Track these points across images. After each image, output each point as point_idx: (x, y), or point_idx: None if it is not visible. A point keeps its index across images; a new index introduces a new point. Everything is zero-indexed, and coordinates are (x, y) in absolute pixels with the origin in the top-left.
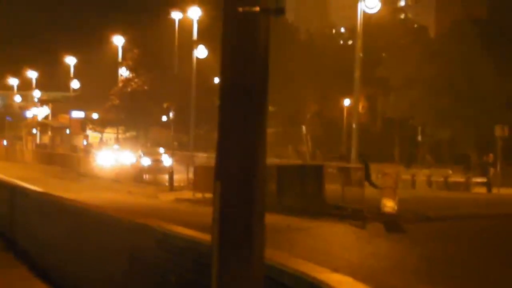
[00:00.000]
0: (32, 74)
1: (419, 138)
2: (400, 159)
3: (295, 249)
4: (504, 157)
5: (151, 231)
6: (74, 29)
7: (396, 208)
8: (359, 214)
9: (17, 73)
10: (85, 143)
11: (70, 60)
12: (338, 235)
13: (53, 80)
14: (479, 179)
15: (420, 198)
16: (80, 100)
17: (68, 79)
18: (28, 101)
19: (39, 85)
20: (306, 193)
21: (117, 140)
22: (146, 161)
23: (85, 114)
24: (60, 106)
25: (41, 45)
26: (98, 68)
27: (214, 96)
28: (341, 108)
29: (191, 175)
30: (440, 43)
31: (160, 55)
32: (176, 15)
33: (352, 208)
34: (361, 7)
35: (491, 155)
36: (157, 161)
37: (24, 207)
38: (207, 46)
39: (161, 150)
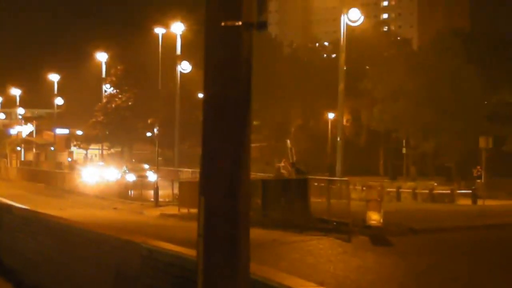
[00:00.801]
0: (15, 92)
1: (404, 150)
2: (384, 172)
3: (281, 263)
4: (489, 169)
5: (137, 247)
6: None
7: (381, 221)
8: (345, 228)
9: (1, 91)
10: (69, 159)
11: (54, 77)
12: (324, 248)
13: (37, 97)
14: (464, 191)
15: (405, 211)
16: (64, 117)
17: (52, 96)
18: (12, 119)
19: (23, 103)
20: (291, 206)
21: (101, 156)
22: (131, 177)
23: (70, 131)
24: (44, 123)
25: (24, 62)
26: (82, 84)
27: (198, 111)
28: (325, 121)
29: (176, 191)
30: (423, 55)
31: (144, 71)
32: (159, 30)
33: (338, 221)
34: (344, 20)
35: (478, 167)
36: (142, 177)
37: (9, 224)
38: (191, 61)
39: (146, 166)
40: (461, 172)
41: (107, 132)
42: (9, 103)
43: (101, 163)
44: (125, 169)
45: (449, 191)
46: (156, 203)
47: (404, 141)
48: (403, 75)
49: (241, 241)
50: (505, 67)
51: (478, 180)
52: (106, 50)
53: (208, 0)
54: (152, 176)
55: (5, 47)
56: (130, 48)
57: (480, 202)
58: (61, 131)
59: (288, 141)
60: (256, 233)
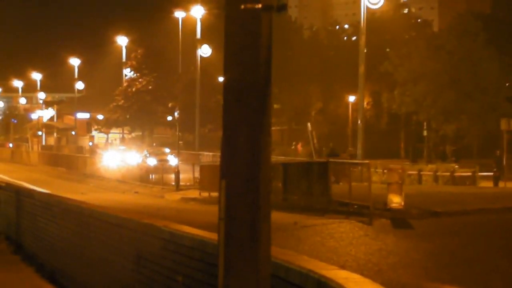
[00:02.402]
0: (36, 76)
1: (425, 133)
2: (405, 155)
3: (302, 246)
4: (510, 151)
5: (158, 231)
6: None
7: (402, 203)
8: (366, 211)
9: (22, 76)
10: (90, 144)
11: (75, 62)
12: (345, 231)
13: (57, 81)
14: (485, 173)
15: (426, 193)
16: (85, 101)
17: (72, 80)
18: (33, 103)
19: (44, 87)
20: (312, 190)
21: (122, 140)
22: (152, 161)
23: (90, 115)
24: (65, 107)
25: (45, 47)
26: (102, 69)
27: (219, 95)
28: (346, 104)
29: (197, 174)
30: (443, 37)
31: (164, 55)
32: (179, 14)
33: (359, 204)
34: (364, 2)
35: (497, 151)
36: (163, 161)
37: (30, 209)
38: (211, 45)
39: (167, 150)
40: (483, 154)
41: (128, 116)
42: (30, 88)
43: (122, 147)
44: (146, 153)
45: (470, 174)
46: (177, 187)
47: (425, 123)
48: (424, 58)
49: (262, 225)
50: None
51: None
52: (126, 34)
53: None
54: (173, 160)
55: (26, 33)
56: (150, 32)
57: (501, 184)
58: (82, 115)
59: (309, 124)
60: (277, 216)
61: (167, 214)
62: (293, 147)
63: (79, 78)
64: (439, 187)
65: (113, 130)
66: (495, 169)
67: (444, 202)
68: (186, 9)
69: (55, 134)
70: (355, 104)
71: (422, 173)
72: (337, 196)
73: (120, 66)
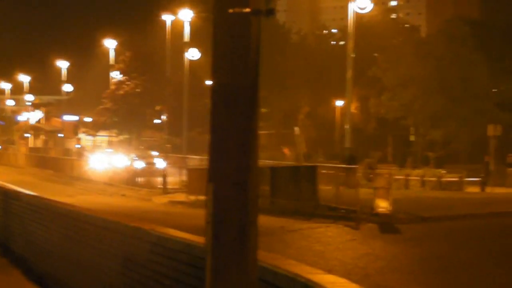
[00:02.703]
0: (24, 78)
1: (412, 138)
2: (393, 159)
3: (289, 250)
4: (497, 157)
5: (145, 234)
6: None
7: (390, 208)
8: (353, 215)
9: (10, 78)
10: (78, 146)
11: (62, 64)
12: (332, 236)
13: (45, 84)
14: (472, 178)
15: (413, 198)
16: (73, 103)
17: (60, 82)
18: (20, 105)
19: (32, 89)
20: (299, 194)
21: (110, 143)
22: (139, 164)
23: (78, 118)
24: (52, 109)
25: (33, 49)
26: (90, 71)
27: (206, 98)
28: (334, 108)
29: (184, 178)
30: (431, 42)
31: (152, 58)
32: (167, 17)
33: (346, 209)
34: (352, 7)
35: (486, 156)
36: (150, 163)
37: (18, 212)
38: (199, 48)
39: (154, 152)
40: (470, 159)
41: (116, 119)
42: (18, 90)
43: (109, 150)
44: (133, 156)
45: (457, 179)
46: (165, 190)
47: (412, 128)
48: (411, 63)
49: (249, 228)
50: None
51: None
52: (114, 37)
53: None
54: (160, 163)
55: (14, 34)
56: (138, 35)
57: (488, 189)
58: (69, 117)
59: (297, 129)
60: (264, 220)
61: (155, 217)
62: (284, 150)
63: (67, 81)
64: (426, 192)
65: (101, 133)
66: (482, 175)
67: (431, 207)
68: (174, 13)
69: (42, 136)
70: (343, 108)
71: (409, 178)
72: (324, 200)
73: (108, 68)
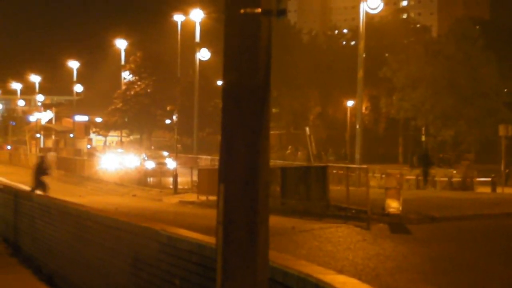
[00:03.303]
0: (35, 79)
1: (423, 138)
2: (404, 159)
3: (300, 250)
4: (508, 157)
5: (155, 234)
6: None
7: (400, 208)
8: (364, 215)
9: (20, 78)
10: (89, 146)
11: (73, 64)
12: (343, 236)
13: (56, 84)
14: (483, 178)
15: (424, 199)
16: (84, 104)
17: (71, 83)
18: (31, 106)
19: (42, 90)
20: (310, 194)
21: (121, 143)
22: (150, 164)
23: (89, 118)
24: (63, 110)
25: (44, 49)
26: (101, 71)
27: (217, 99)
28: (344, 109)
29: (195, 178)
30: (442, 42)
31: (163, 58)
32: (178, 17)
33: (356, 209)
34: (363, 7)
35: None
36: (161, 164)
37: (28, 212)
38: (210, 49)
39: (165, 153)
40: (480, 160)
41: (126, 119)
42: (29, 90)
43: (120, 150)
44: (144, 156)
45: (468, 179)
46: (175, 190)
47: (423, 129)
48: (422, 63)
49: (260, 229)
50: None
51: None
52: (125, 37)
53: None
54: (171, 163)
55: (24, 35)
56: (149, 35)
57: (499, 189)
58: (80, 118)
59: (307, 129)
60: (275, 221)
61: (165, 218)
62: (288, 151)
63: (78, 81)
64: (437, 192)
65: (112, 133)
66: (493, 175)
67: (442, 207)
68: (185, 13)
69: (53, 137)
70: (353, 108)
71: (420, 178)
72: (335, 200)
73: (119, 69)
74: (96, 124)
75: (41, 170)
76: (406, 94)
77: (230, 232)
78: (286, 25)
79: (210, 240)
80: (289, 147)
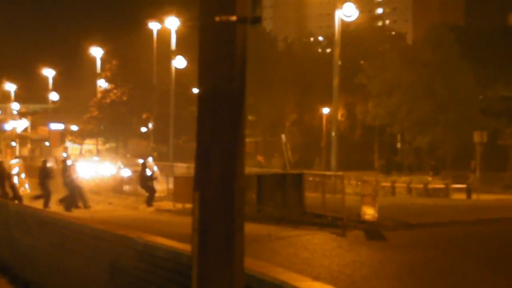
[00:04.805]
0: (10, 87)
1: (399, 145)
2: (379, 167)
3: (276, 258)
4: (483, 163)
5: (132, 242)
6: (52, 41)
7: (376, 215)
8: (339, 222)
9: None
10: (64, 155)
11: (49, 72)
12: (319, 243)
13: (31, 92)
14: (459, 185)
15: (400, 205)
16: (59, 112)
17: (46, 91)
18: (6, 114)
19: (18, 98)
20: (286, 201)
21: (96, 151)
22: (126, 172)
23: (65, 126)
24: (39, 118)
25: (19, 57)
26: (76, 79)
27: (193, 106)
28: (320, 116)
29: (171, 186)
30: (417, 49)
31: (139, 66)
32: (154, 25)
33: (332, 216)
34: (338, 15)
35: (473, 161)
36: (136, 172)
37: (4, 220)
38: (186, 56)
39: (141, 160)
40: (456, 166)
41: (102, 127)
42: (4, 98)
43: (96, 158)
44: (120, 164)
45: (443, 186)
46: None
47: (398, 135)
48: (397, 70)
49: (236, 236)
50: (500, 62)
51: (472, 175)
52: (101, 45)
53: None
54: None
55: None
56: (125, 43)
57: (474, 196)
58: (56, 126)
59: (283, 136)
60: (251, 228)
61: (142, 225)
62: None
63: (54, 89)
64: (413, 199)
65: (87, 141)
66: (469, 182)
67: (418, 214)
68: (161, 21)
69: (29, 145)
70: (329, 115)
71: (395, 185)
72: (311, 207)
73: (95, 77)
74: (71, 133)
75: (45, 173)
76: (381, 101)
77: (206, 239)
78: (262, 32)
79: (186, 247)
80: (258, 156)
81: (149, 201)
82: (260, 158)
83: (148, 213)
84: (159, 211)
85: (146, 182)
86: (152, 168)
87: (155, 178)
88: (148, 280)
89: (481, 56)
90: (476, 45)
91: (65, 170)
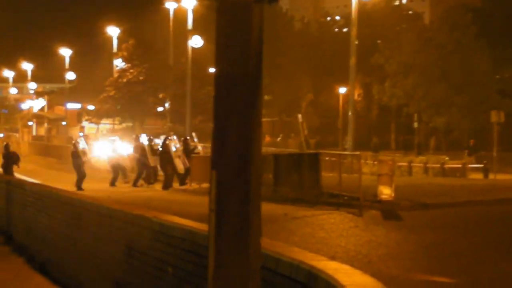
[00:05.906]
0: (27, 66)
1: (415, 125)
2: (396, 146)
3: (292, 237)
4: (500, 143)
5: (148, 222)
6: (69, 20)
7: (393, 195)
8: (356, 202)
9: (12, 66)
10: (81, 134)
11: (65, 52)
12: (335, 223)
13: (48, 72)
14: (475, 165)
15: (416, 185)
16: (76, 91)
17: (63, 70)
18: (23, 93)
19: (35, 77)
20: (302, 181)
21: (113, 131)
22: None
23: (81, 106)
24: (56, 98)
25: (36, 37)
26: (93, 59)
27: (209, 86)
28: (337, 96)
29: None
30: (434, 30)
31: (156, 46)
32: (170, 5)
33: (349, 196)
34: None
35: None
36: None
37: (21, 200)
38: (203, 36)
39: (158, 140)
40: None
41: (119, 107)
42: (21, 78)
43: (113, 138)
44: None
45: (460, 165)
46: None
47: (415, 116)
48: (414, 50)
49: (252, 216)
50: None
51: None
52: (117, 24)
53: None
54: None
55: (16, 22)
56: (141, 22)
57: (491, 176)
58: (72, 105)
59: (299, 116)
60: (267, 208)
61: (158, 205)
62: (279, 139)
63: (70, 69)
64: (429, 179)
65: (104, 121)
66: (485, 161)
67: (434, 194)
68: (178, 0)
69: (45, 125)
70: (345, 96)
71: (412, 164)
72: (327, 187)
73: (111, 56)
74: (88, 112)
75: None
76: (398, 81)
77: (222, 220)
78: (278, 12)
79: (202, 227)
80: (280, 135)
81: (167, 185)
82: (268, 138)
83: (164, 192)
84: (175, 191)
85: (189, 154)
86: (176, 144)
87: (197, 152)
88: (164, 260)
89: (497, 37)
90: (493, 26)
91: (75, 151)
